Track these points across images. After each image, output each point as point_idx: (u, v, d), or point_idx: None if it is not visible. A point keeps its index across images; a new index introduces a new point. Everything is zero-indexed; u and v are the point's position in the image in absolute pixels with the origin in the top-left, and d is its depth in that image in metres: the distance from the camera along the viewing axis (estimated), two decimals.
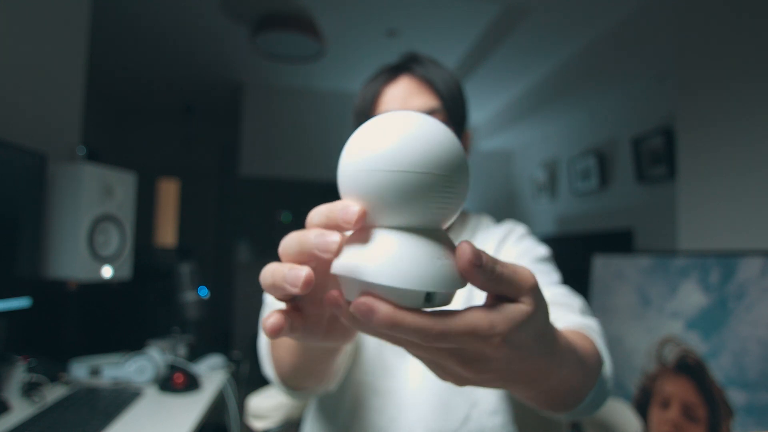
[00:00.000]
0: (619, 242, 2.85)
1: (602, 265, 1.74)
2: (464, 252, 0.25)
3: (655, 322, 1.46)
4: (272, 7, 2.43)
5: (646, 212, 2.86)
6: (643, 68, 2.66)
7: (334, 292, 0.28)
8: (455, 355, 0.28)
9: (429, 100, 0.72)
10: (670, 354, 1.39)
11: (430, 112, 0.71)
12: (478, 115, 4.06)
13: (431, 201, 0.27)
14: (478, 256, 0.25)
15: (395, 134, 0.27)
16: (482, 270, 0.26)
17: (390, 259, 0.26)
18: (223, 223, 4.22)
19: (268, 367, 0.64)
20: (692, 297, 1.36)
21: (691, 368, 1.31)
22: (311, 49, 2.66)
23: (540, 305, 0.29)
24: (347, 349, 0.66)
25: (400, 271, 0.25)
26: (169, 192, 4.29)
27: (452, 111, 0.73)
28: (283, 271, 0.28)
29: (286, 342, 0.54)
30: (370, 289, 0.26)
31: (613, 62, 2.69)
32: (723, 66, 1.61)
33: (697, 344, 1.31)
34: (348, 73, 3.32)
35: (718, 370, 1.23)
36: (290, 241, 0.29)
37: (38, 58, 1.38)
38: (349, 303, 0.27)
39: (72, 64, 1.56)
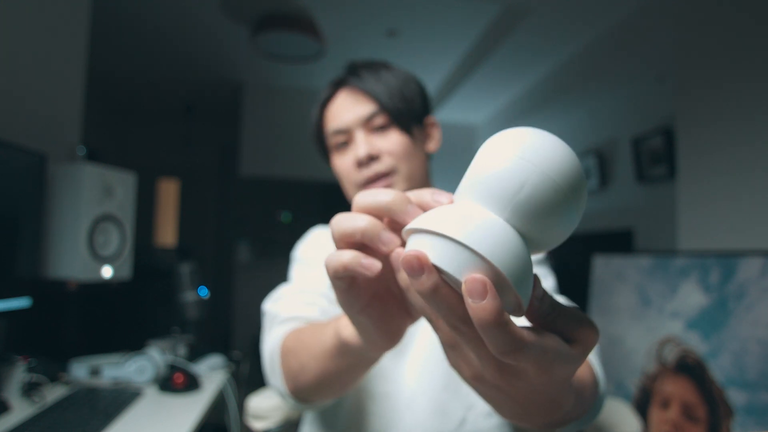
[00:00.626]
0: (619, 242, 2.85)
1: (602, 265, 1.74)
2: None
3: (655, 322, 1.46)
4: (272, 7, 2.43)
5: (646, 212, 2.86)
6: (643, 68, 2.66)
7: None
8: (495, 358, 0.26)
9: (365, 108, 0.72)
10: (670, 354, 1.39)
11: (371, 117, 0.71)
12: (478, 115, 4.06)
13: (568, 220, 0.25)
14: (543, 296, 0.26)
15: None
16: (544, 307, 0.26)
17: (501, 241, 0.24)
18: (223, 223, 4.22)
19: (276, 379, 0.59)
20: (692, 297, 1.36)
21: (691, 368, 1.31)
22: (311, 49, 2.66)
23: (583, 357, 0.28)
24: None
25: (505, 255, 0.23)
26: (169, 192, 4.29)
27: (394, 110, 0.72)
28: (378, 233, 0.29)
29: (319, 349, 0.49)
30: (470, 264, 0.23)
31: (613, 62, 2.69)
32: (723, 66, 1.61)
33: (697, 344, 1.31)
34: None
35: (718, 370, 1.23)
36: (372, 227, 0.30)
37: (38, 58, 1.38)
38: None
39: (72, 64, 1.56)
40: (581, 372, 0.43)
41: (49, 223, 1.21)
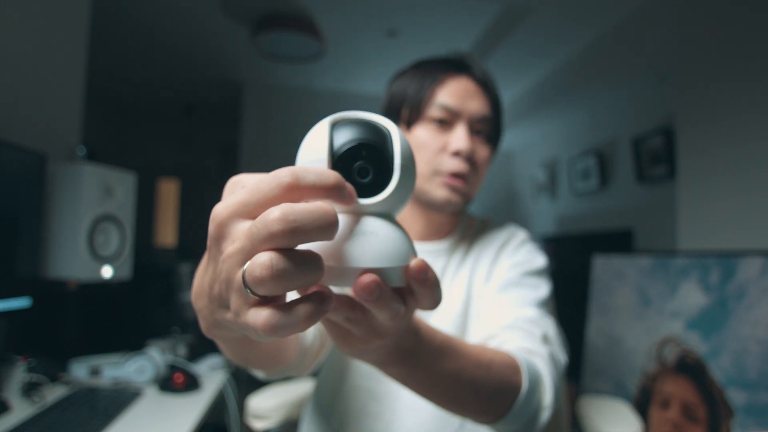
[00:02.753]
0: (619, 242, 2.85)
1: (602, 265, 1.74)
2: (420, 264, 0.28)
3: (655, 322, 1.46)
4: (272, 7, 2.43)
5: (646, 212, 2.86)
6: (643, 68, 2.67)
7: (367, 278, 0.25)
8: (372, 321, 0.30)
9: (483, 107, 0.72)
10: (670, 354, 1.39)
11: (482, 120, 0.71)
12: None
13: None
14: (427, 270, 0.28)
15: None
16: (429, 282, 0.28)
17: (379, 243, 0.28)
18: None
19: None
20: (692, 297, 1.36)
21: (691, 368, 1.32)
22: (311, 49, 2.66)
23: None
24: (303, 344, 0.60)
25: (389, 253, 0.27)
26: (169, 192, 4.29)
27: (497, 123, 0.74)
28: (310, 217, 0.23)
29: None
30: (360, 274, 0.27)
31: (613, 62, 2.69)
32: (723, 66, 1.61)
33: (697, 344, 1.31)
34: (348, 73, 3.32)
35: (718, 370, 1.24)
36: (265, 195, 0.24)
37: (38, 58, 1.38)
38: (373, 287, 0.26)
39: (72, 64, 1.56)
40: (483, 354, 0.45)
41: (49, 223, 1.21)
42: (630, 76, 2.82)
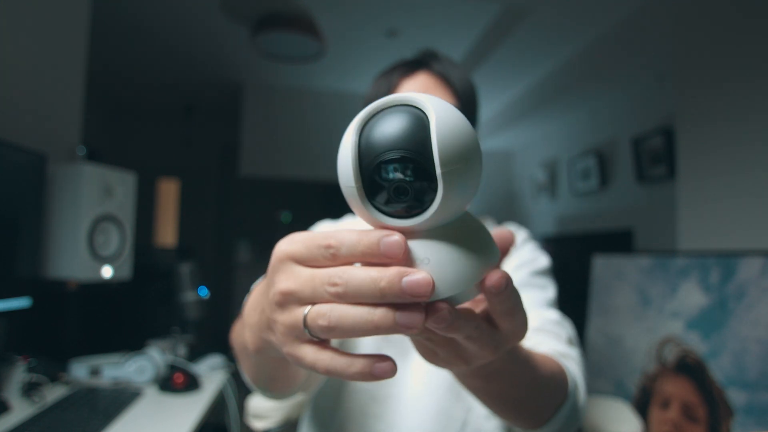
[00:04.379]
0: (619, 242, 2.85)
1: (602, 265, 1.74)
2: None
3: (655, 322, 1.46)
4: (272, 7, 2.43)
5: (646, 212, 2.86)
6: (643, 68, 2.66)
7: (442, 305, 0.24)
8: (458, 349, 0.30)
9: (445, 98, 0.71)
10: (670, 354, 1.39)
11: None
12: None
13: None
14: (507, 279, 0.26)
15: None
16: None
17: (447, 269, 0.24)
18: (223, 223, 4.23)
19: (241, 371, 0.58)
20: (692, 297, 1.36)
21: (691, 368, 1.31)
22: (311, 49, 2.66)
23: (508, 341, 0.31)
24: None
25: (446, 280, 0.24)
26: (169, 192, 4.29)
27: (467, 110, 0.73)
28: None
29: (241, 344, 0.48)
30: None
31: (613, 62, 2.69)
32: (723, 66, 1.61)
33: (697, 344, 1.31)
34: (348, 73, 3.32)
35: (718, 370, 1.23)
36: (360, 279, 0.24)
37: (38, 58, 1.38)
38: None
39: (72, 64, 1.56)
40: (541, 360, 0.45)
41: (49, 223, 1.21)
42: (630, 76, 2.82)
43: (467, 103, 0.73)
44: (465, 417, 0.68)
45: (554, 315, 0.65)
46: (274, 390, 0.56)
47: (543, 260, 0.74)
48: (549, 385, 0.45)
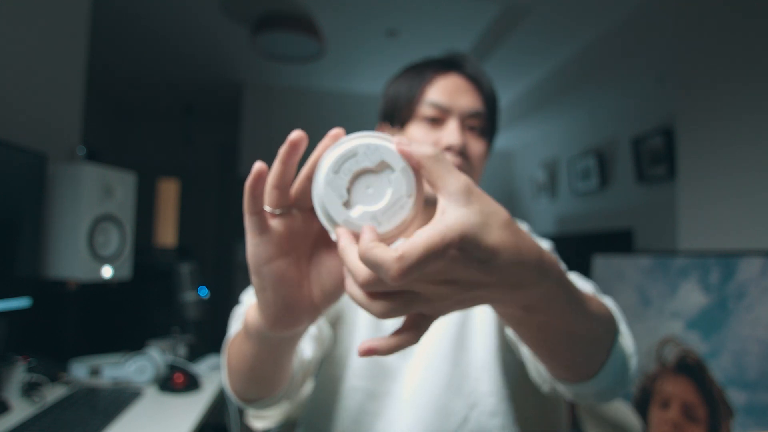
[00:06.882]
0: (619, 242, 2.85)
1: (602, 265, 1.74)
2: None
3: (655, 322, 1.46)
4: (272, 7, 2.43)
5: (646, 212, 2.86)
6: (643, 68, 2.66)
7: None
8: (445, 283, 0.29)
9: (475, 102, 0.72)
10: (670, 354, 1.39)
11: (474, 115, 0.71)
12: None
13: None
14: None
15: None
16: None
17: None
18: (223, 223, 4.23)
19: (224, 378, 0.59)
20: (692, 297, 1.36)
21: (691, 368, 1.31)
22: (311, 49, 2.66)
23: (485, 209, 0.28)
24: (302, 359, 0.62)
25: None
26: (169, 192, 4.29)
27: (491, 117, 0.74)
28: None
29: (238, 344, 0.50)
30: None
31: (613, 62, 2.69)
32: (723, 66, 1.61)
33: (697, 344, 1.31)
34: (348, 73, 3.32)
35: (718, 370, 1.23)
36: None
37: (38, 58, 1.38)
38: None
39: (72, 64, 1.56)
40: (589, 296, 0.43)
41: (49, 223, 1.21)
42: (630, 76, 2.82)
43: (492, 110, 0.74)
44: (466, 413, 0.68)
45: (573, 275, 0.64)
46: (262, 393, 0.55)
47: (546, 243, 0.74)
48: (600, 320, 0.42)
